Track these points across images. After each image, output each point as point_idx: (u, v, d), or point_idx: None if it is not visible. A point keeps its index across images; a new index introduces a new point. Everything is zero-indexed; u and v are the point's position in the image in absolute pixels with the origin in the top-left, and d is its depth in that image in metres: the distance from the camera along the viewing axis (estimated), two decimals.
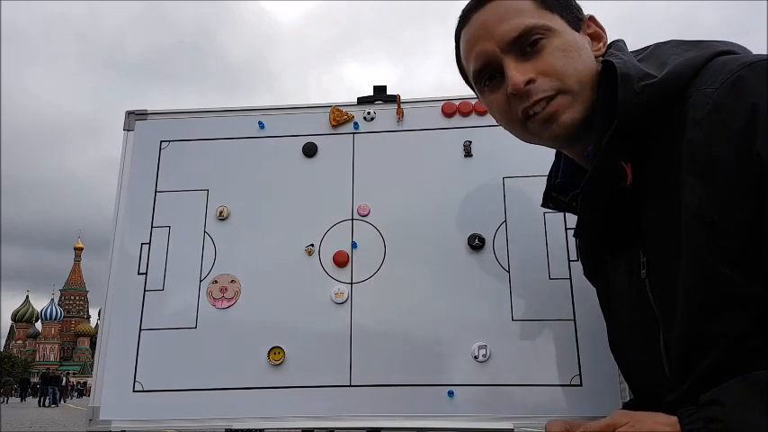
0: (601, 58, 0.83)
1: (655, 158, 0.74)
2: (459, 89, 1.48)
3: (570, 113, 0.80)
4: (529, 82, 0.80)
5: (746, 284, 0.63)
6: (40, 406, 22.01)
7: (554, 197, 1.00)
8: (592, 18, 0.88)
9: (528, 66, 0.81)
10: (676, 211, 0.68)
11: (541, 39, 0.81)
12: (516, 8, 0.83)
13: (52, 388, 23.70)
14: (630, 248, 0.80)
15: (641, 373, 0.83)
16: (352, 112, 1.48)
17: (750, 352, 0.63)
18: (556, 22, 0.83)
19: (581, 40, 0.84)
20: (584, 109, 0.80)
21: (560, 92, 0.80)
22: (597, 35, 0.87)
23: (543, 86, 0.80)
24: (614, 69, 0.75)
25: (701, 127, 0.67)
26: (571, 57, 0.81)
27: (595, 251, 0.95)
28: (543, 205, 1.03)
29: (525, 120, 0.83)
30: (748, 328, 0.63)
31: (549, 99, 0.81)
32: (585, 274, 1.05)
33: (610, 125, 0.74)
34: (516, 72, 0.81)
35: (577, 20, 0.86)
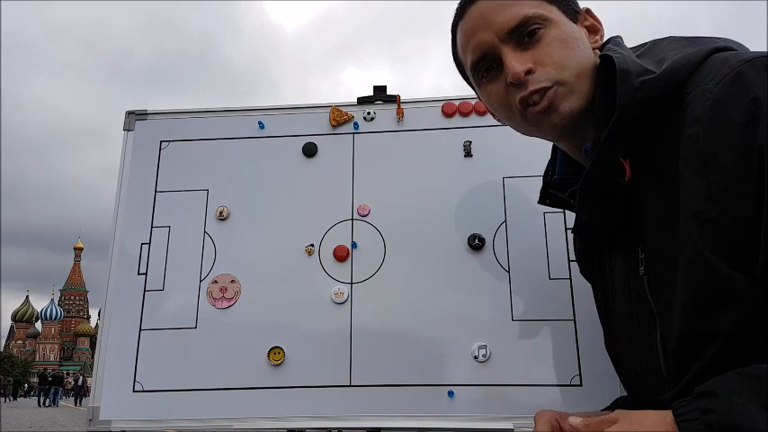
0: (598, 52, 0.83)
1: (654, 155, 0.73)
2: (457, 92, 1.48)
3: (568, 103, 0.80)
4: (528, 72, 0.79)
5: (744, 282, 0.62)
6: (39, 406, 21.96)
7: (551, 194, 0.99)
8: (588, 11, 0.88)
9: (526, 55, 0.80)
10: (675, 207, 0.68)
11: (540, 29, 0.81)
12: None
13: (54, 388, 23.58)
14: (629, 245, 0.80)
15: (637, 372, 0.83)
16: (352, 112, 1.48)
17: (746, 350, 0.63)
18: (554, 12, 0.82)
19: (578, 31, 0.84)
20: (581, 99, 0.80)
21: (558, 83, 0.79)
22: (594, 28, 0.87)
23: (541, 78, 0.79)
24: (613, 64, 0.74)
25: (701, 123, 0.66)
26: (569, 48, 0.80)
27: (593, 248, 0.95)
28: (540, 202, 1.03)
29: (524, 109, 0.83)
30: (745, 326, 0.63)
31: (547, 90, 0.80)
32: (582, 272, 1.04)
33: (608, 121, 0.74)
34: (515, 61, 0.80)
35: (574, 12, 0.86)
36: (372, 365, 1.29)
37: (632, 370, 0.85)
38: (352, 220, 1.40)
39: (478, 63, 0.86)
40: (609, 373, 1.21)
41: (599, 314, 0.98)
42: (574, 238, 0.99)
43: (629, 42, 0.86)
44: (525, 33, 0.81)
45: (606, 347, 0.96)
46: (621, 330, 0.86)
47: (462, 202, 1.38)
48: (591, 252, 0.96)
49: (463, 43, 0.89)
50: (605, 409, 0.97)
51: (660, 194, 0.72)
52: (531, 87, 0.80)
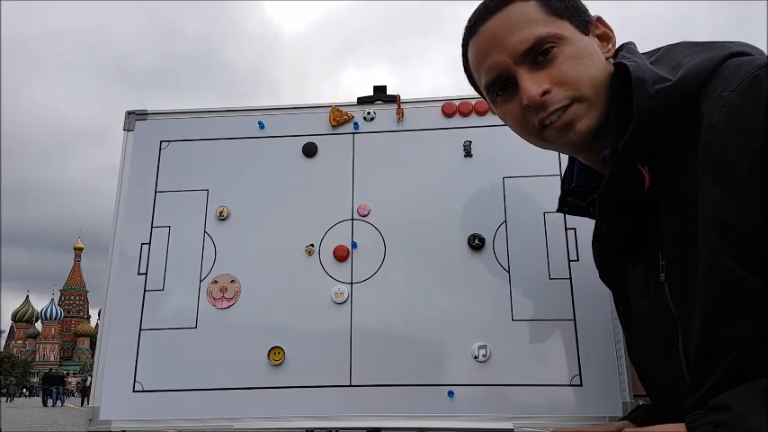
0: (612, 61, 0.83)
1: (671, 162, 0.73)
2: (457, 92, 1.48)
3: (586, 121, 0.80)
4: (544, 93, 0.80)
5: (763, 288, 0.62)
6: (44, 405, 21.93)
7: (570, 202, 0.99)
8: (599, 19, 0.88)
9: (542, 75, 0.81)
10: (693, 214, 0.68)
11: (553, 47, 0.81)
12: (525, 17, 0.82)
13: (56, 388, 23.53)
14: (649, 252, 0.79)
15: (660, 378, 0.83)
16: (352, 112, 1.48)
17: (766, 357, 0.62)
18: (566, 28, 0.82)
19: (591, 43, 0.84)
20: (599, 115, 0.80)
21: (575, 100, 0.80)
22: (606, 36, 0.87)
23: (558, 96, 0.80)
24: (628, 73, 0.74)
25: (718, 130, 0.66)
26: (584, 63, 0.80)
27: (614, 256, 0.93)
28: (559, 210, 1.03)
29: (542, 129, 0.83)
30: (766, 332, 0.62)
31: (565, 108, 0.80)
32: (601, 277, 1.03)
33: (625, 129, 0.73)
34: (531, 84, 0.80)
35: (585, 23, 0.85)
36: (372, 365, 1.29)
37: (655, 375, 0.85)
38: (352, 220, 1.40)
39: (493, 83, 0.87)
40: (609, 372, 1.22)
41: (620, 320, 0.97)
42: (593, 244, 0.98)
43: (633, 42, 0.86)
44: (539, 53, 0.81)
45: (629, 354, 0.96)
46: (643, 336, 0.86)
47: (462, 202, 1.38)
48: (611, 258, 0.95)
49: (476, 63, 0.88)
50: (624, 418, 0.97)
51: (678, 201, 0.72)
52: (550, 108, 0.80)
